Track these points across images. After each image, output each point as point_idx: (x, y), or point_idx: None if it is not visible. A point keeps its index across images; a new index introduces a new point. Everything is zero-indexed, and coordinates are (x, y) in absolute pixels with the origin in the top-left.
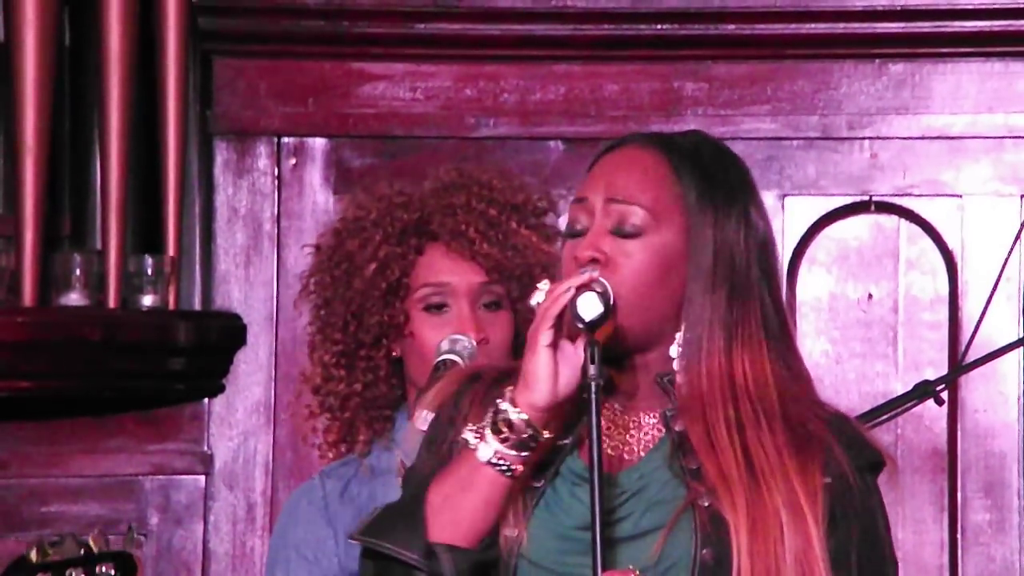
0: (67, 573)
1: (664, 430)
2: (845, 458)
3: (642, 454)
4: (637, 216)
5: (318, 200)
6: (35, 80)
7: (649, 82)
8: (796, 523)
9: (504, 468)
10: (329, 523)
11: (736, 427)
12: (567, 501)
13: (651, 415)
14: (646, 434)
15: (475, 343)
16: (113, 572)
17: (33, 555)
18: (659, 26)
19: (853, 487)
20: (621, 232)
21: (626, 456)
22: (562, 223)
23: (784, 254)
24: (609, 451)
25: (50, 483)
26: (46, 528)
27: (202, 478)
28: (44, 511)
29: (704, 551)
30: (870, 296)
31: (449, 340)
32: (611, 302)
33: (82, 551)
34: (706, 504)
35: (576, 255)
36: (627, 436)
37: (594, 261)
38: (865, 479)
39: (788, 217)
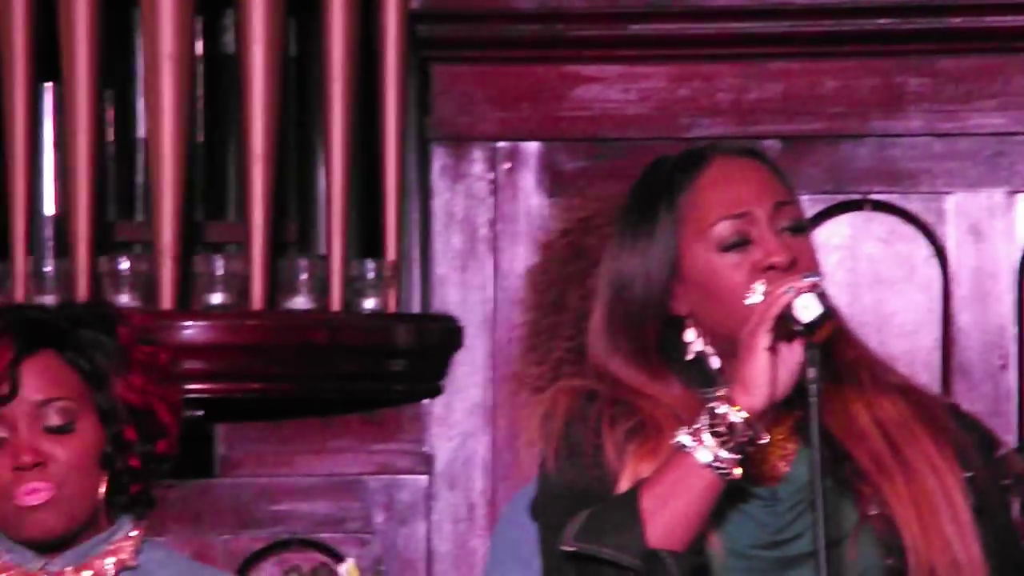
0: None
1: (800, 441)
2: (974, 448)
3: (785, 468)
4: (802, 212)
5: (532, 204)
6: (263, 91)
7: (870, 78)
8: (953, 513)
9: (723, 471)
10: None
11: (874, 417)
12: (737, 519)
13: (780, 426)
14: (782, 447)
15: None
16: None
17: None
18: (881, 20)
19: (988, 481)
20: (798, 228)
21: (769, 472)
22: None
23: (1014, 252)
24: (751, 468)
25: (280, 482)
26: (278, 526)
27: (424, 478)
28: (275, 509)
29: (889, 560)
30: None
31: None
32: (830, 304)
33: None
34: (876, 512)
35: (771, 262)
36: (763, 452)
37: (792, 264)
38: (989, 468)
39: (1018, 214)
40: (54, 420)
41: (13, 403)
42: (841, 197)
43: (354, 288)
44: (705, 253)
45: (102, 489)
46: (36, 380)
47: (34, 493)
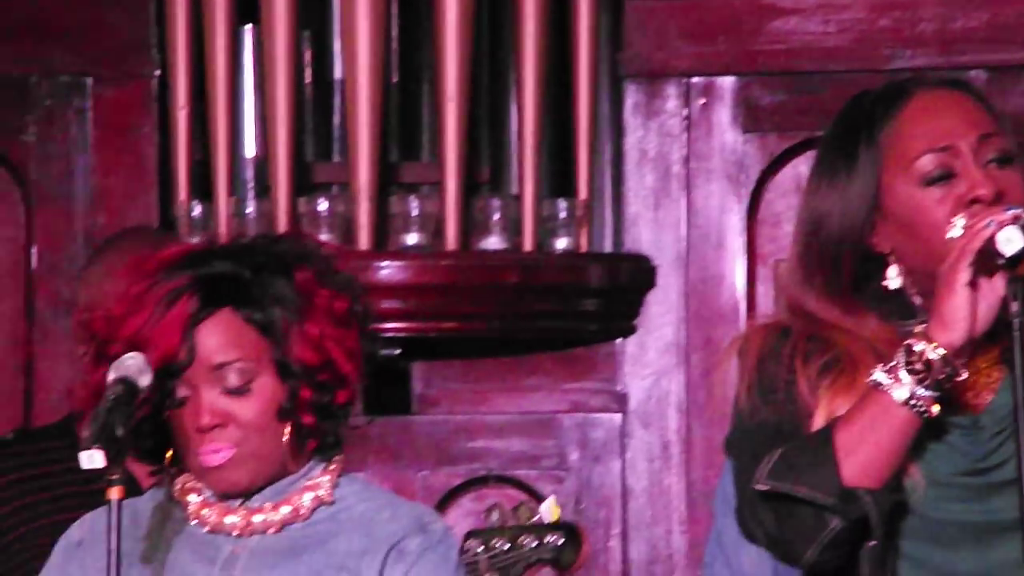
0: (520, 539)
1: (1004, 370)
2: None
3: (989, 397)
4: (1009, 143)
5: (726, 140)
6: (456, 31)
7: None
8: None
9: (920, 409)
10: None
11: None
12: (938, 447)
13: (985, 355)
14: (987, 375)
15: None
16: (561, 542)
17: (495, 517)
18: None
19: None
20: (1005, 160)
21: (972, 401)
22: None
23: None
24: (953, 398)
25: (476, 419)
26: (474, 463)
27: (618, 416)
28: (472, 446)
29: None
30: None
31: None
32: None
33: (535, 519)
34: None
35: (975, 195)
36: (965, 380)
37: (998, 197)
38: None
39: None
40: (233, 382)
41: (193, 366)
42: None
43: (546, 228)
44: (907, 188)
45: (286, 436)
46: (214, 342)
47: (215, 454)
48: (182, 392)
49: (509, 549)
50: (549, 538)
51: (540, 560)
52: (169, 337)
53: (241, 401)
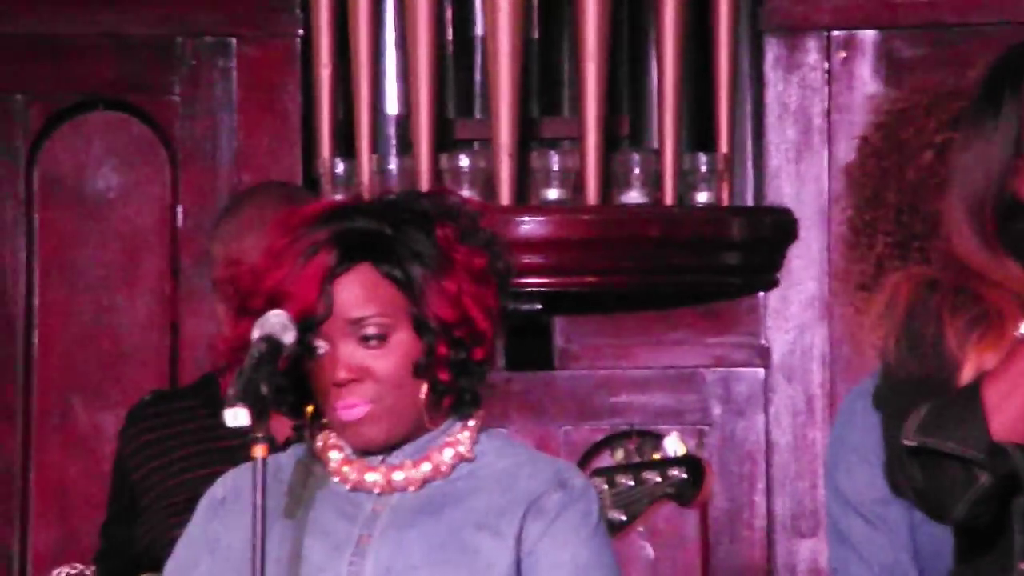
0: (644, 475)
1: None
2: None
3: None
4: None
5: (868, 93)
6: None
7: None
8: None
9: None
10: None
11: None
12: None
13: None
14: None
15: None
16: (684, 476)
17: (620, 455)
18: None
19: None
20: None
21: None
22: None
23: None
24: None
25: (618, 374)
26: (616, 418)
27: (761, 370)
28: (614, 401)
29: None
30: None
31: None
32: None
33: (657, 455)
34: None
35: None
36: None
37: None
38: None
39: None
40: (370, 331)
41: (330, 320)
42: None
43: (687, 181)
44: None
45: (424, 394)
46: (351, 297)
47: (351, 408)
48: (320, 346)
49: (633, 486)
50: (672, 472)
51: (664, 495)
52: (307, 291)
53: (377, 356)
